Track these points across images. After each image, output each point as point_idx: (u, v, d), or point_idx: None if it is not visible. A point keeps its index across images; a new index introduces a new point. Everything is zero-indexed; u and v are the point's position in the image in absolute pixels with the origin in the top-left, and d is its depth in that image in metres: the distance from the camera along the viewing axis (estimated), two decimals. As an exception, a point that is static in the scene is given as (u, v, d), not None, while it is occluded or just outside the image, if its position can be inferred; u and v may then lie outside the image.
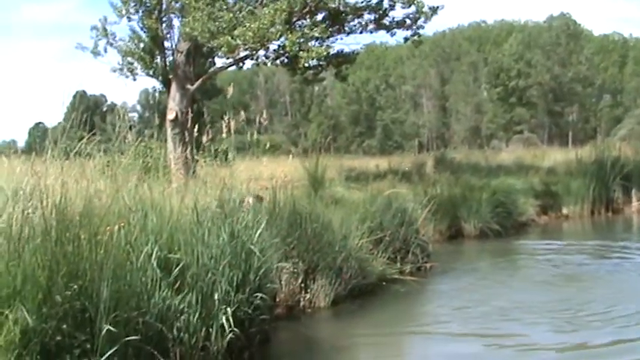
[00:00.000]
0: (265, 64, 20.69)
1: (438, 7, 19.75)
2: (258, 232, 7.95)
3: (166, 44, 20.41)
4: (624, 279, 12.03)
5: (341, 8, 18.84)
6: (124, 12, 19.98)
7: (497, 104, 79.74)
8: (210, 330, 6.93)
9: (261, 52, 18.92)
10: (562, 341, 8.30)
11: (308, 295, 9.81)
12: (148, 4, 19.66)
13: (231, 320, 6.95)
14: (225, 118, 9.11)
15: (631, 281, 11.88)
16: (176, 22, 20.24)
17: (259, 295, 7.56)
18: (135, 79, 20.73)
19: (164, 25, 20.18)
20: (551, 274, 12.73)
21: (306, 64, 18.84)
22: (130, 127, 8.21)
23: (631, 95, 76.76)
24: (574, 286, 11.74)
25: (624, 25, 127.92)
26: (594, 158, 22.08)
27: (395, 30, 20.51)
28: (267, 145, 11.77)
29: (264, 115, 10.42)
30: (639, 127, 34.08)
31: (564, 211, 20.69)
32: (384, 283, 11.07)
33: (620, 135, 31.51)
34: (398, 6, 19.69)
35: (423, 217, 13.21)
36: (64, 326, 5.68)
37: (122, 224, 6.41)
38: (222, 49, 17.64)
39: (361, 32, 20.39)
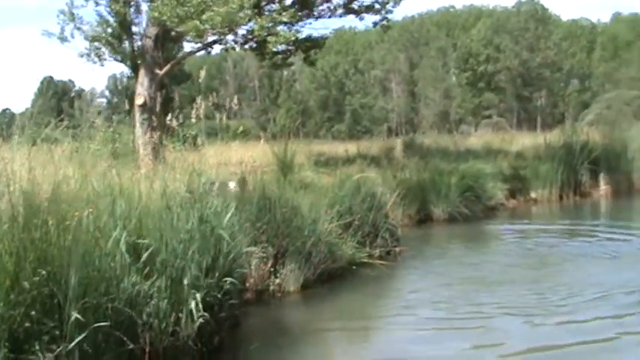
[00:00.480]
0: (234, 48, 20.57)
1: (406, -8, 19.76)
2: (228, 216, 7.95)
3: (134, 29, 20.17)
4: (593, 260, 12.21)
5: (310, -7, 18.84)
6: (90, -5, 19.78)
7: (466, 89, 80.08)
8: (180, 315, 6.91)
9: (230, 37, 18.79)
10: (533, 323, 8.37)
11: (278, 280, 9.85)
12: (116, -12, 19.45)
13: (200, 305, 6.94)
14: (196, 102, 9.09)
15: (600, 262, 12.05)
16: (144, 7, 20.03)
17: (229, 279, 7.56)
18: (103, 65, 20.44)
19: (132, 9, 19.95)
20: (521, 257, 12.91)
21: (275, 49, 18.81)
22: (99, 113, 8.17)
23: (599, 80, 77.21)
24: (544, 268, 11.93)
25: (592, 11, 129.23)
26: (562, 143, 22.23)
27: (364, 15, 20.51)
28: (239, 130, 11.78)
29: (234, 100, 10.42)
30: (607, 111, 34.33)
31: (533, 195, 20.83)
32: (353, 267, 11.12)
33: (587, 120, 31.69)
34: (367, -10, 19.73)
35: (392, 202, 13.28)
36: (33, 313, 5.66)
37: (91, 210, 6.37)
38: (191, 33, 17.51)
39: (330, 17, 20.38)
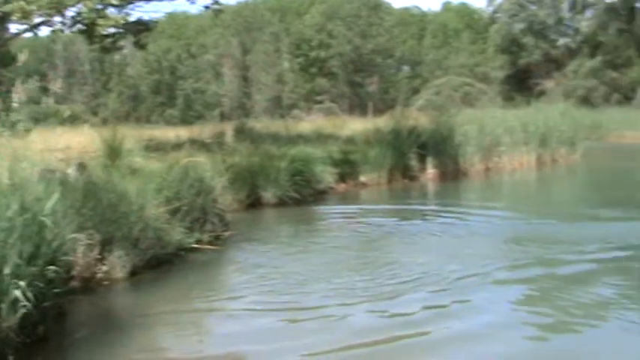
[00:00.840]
0: (62, 31, 20.00)
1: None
2: (51, 203, 7.80)
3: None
4: (423, 240, 12.82)
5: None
6: None
7: (299, 74, 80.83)
8: (2, 306, 6.76)
9: (58, 19, 18.27)
10: (367, 309, 8.54)
11: (105, 267, 9.71)
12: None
13: (23, 295, 6.80)
14: (15, 86, 8.86)
15: (427, 242, 12.67)
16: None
17: (53, 267, 7.44)
18: None
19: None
20: (351, 239, 13.26)
21: (104, 32, 18.43)
22: None
23: (429, 67, 79.81)
24: (374, 249, 12.28)
25: (423, 0, 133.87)
26: (391, 128, 22.85)
27: (195, -3, 20.41)
28: (66, 114, 11.55)
29: (60, 84, 10.20)
30: (436, 97, 35.59)
31: (362, 178, 21.27)
32: (182, 253, 11.10)
33: (417, 105, 32.71)
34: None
35: (221, 186, 13.34)
36: None
37: None
38: (16, 14, 16.89)
39: (161, 0, 20.15)
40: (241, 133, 23.04)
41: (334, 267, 10.74)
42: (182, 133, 23.75)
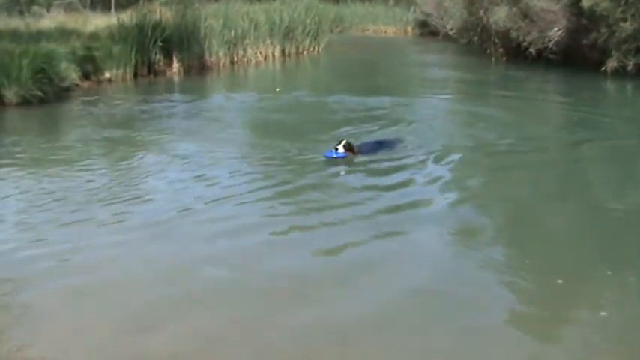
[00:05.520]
0: None
1: None
2: None
3: None
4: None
5: None
6: None
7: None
8: None
9: None
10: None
11: None
12: None
13: None
14: None
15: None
16: None
17: None
18: None
19: None
20: (99, 137, 13.41)
21: None
22: None
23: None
24: (124, 147, 12.50)
25: None
26: (135, 23, 22.65)
27: None
28: None
29: None
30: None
31: (107, 74, 21.12)
32: None
33: (162, 0, 32.33)
34: None
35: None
36: None
37: None
38: None
39: None
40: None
41: (80, 161, 11.06)
42: None
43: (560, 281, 6.44)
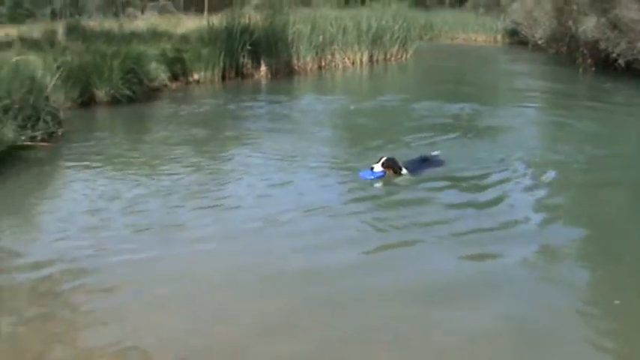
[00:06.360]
0: None
1: None
2: None
3: None
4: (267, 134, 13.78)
5: None
6: None
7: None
8: None
9: None
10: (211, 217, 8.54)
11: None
12: None
13: None
14: None
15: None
16: None
17: None
18: None
19: None
20: (186, 136, 13.58)
21: None
22: None
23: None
24: (211, 146, 12.72)
25: None
26: (225, 26, 22.91)
27: None
28: None
29: None
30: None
31: (195, 76, 21.45)
32: (16, 151, 11.19)
33: (254, 4, 32.65)
34: None
35: (53, 85, 13.37)
36: None
37: None
38: None
39: None
40: (74, 31, 22.56)
41: (170, 170, 10.91)
42: (11, 32, 23.00)
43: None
